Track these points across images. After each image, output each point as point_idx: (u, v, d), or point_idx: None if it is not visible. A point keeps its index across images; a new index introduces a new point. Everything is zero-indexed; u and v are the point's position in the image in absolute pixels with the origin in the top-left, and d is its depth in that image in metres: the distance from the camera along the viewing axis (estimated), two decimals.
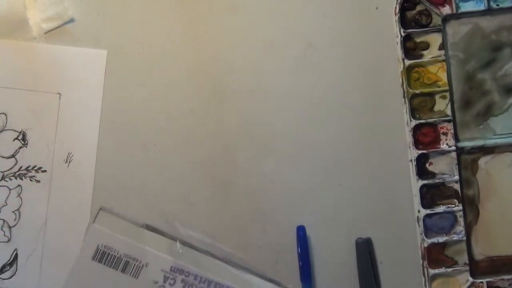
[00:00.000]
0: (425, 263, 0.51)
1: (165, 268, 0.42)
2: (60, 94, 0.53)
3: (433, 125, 0.52)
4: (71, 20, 0.53)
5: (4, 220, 0.52)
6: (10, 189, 0.53)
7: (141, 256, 0.42)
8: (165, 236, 0.44)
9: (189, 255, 0.43)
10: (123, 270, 0.41)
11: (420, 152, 0.52)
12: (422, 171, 0.52)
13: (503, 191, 0.52)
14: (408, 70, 0.52)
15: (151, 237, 0.43)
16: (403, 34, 0.52)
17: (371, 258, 0.51)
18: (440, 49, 0.52)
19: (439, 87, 0.52)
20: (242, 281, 0.43)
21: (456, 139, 0.52)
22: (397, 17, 0.52)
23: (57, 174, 0.53)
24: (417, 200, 0.51)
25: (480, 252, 0.52)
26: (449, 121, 0.52)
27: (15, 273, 0.52)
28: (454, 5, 0.52)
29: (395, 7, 0.52)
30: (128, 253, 0.42)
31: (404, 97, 0.52)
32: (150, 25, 0.54)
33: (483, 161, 0.52)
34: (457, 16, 0.52)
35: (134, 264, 0.41)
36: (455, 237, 0.51)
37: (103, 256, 0.42)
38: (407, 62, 0.52)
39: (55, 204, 0.52)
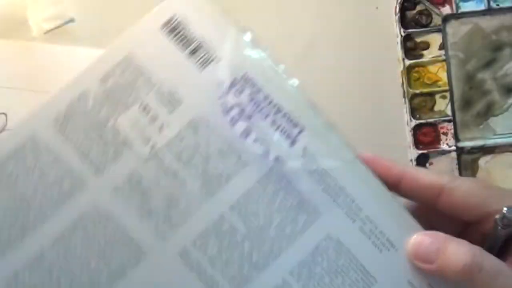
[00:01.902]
0: None
1: (237, 74, 0.34)
2: None
3: (433, 125, 0.52)
4: (71, 20, 0.53)
5: None
6: None
7: (217, 47, 0.34)
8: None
9: (270, 74, 0.35)
10: (191, 53, 0.34)
11: (420, 152, 0.52)
12: None
13: None
14: (408, 70, 0.52)
15: (234, 32, 0.35)
16: (403, 34, 0.52)
17: None
18: (440, 49, 0.52)
19: (439, 87, 0.52)
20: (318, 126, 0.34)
21: (456, 139, 0.52)
22: (397, 17, 0.52)
23: None
24: None
25: None
26: (449, 121, 0.52)
27: None
28: (454, 5, 0.52)
29: (395, 7, 0.52)
30: (204, 38, 0.33)
31: (404, 97, 0.52)
32: None
33: (483, 161, 0.52)
34: (457, 16, 0.52)
35: (205, 53, 0.34)
36: None
37: (174, 30, 0.34)
38: (407, 62, 0.52)
39: None
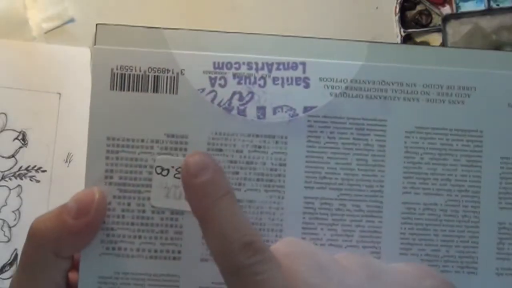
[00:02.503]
0: None
1: (207, 68, 0.31)
2: (60, 94, 0.53)
3: None
4: (71, 20, 0.53)
5: (4, 220, 0.52)
6: (10, 189, 0.52)
7: (170, 63, 0.31)
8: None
9: (232, 41, 0.32)
10: (155, 90, 0.31)
11: None
12: None
13: None
14: None
15: (176, 36, 0.31)
16: (403, 34, 0.52)
17: None
18: None
19: None
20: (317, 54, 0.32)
21: None
22: (397, 17, 0.52)
23: (57, 174, 0.53)
24: None
25: None
26: None
27: None
28: (454, 5, 0.52)
29: (395, 7, 0.52)
30: (153, 65, 0.31)
31: None
32: (149, 25, 0.53)
33: None
34: (457, 16, 0.52)
35: (166, 77, 0.31)
36: None
37: (122, 81, 0.31)
38: None
39: (55, 204, 0.52)
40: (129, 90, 0.31)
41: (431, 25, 0.52)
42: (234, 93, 0.31)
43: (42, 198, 0.52)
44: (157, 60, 0.31)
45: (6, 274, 0.52)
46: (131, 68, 0.31)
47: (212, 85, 0.31)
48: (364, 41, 0.32)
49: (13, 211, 0.52)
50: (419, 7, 0.52)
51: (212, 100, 0.31)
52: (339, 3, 0.53)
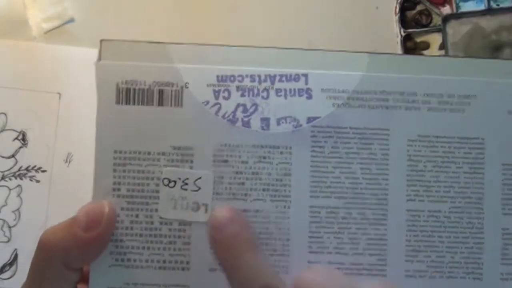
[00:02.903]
0: None
1: (211, 81, 0.32)
2: (60, 94, 0.53)
3: None
4: (71, 20, 0.53)
5: (4, 220, 0.52)
6: (10, 189, 0.52)
7: (175, 77, 0.31)
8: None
9: (235, 54, 0.32)
10: (160, 103, 0.32)
11: None
12: None
13: None
14: None
15: (180, 50, 0.32)
16: (403, 34, 0.52)
17: None
18: (440, 49, 0.52)
19: None
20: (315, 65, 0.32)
21: None
22: (397, 17, 0.52)
23: (57, 174, 0.53)
24: None
25: None
26: None
27: (15, 273, 0.52)
28: (454, 5, 0.52)
29: (395, 7, 0.52)
30: (157, 79, 0.32)
31: None
32: (149, 25, 0.54)
33: None
34: (457, 16, 0.52)
35: (171, 91, 0.32)
36: None
37: (128, 95, 0.32)
38: None
39: (55, 204, 0.52)
40: (134, 104, 0.31)
41: (431, 25, 0.52)
42: (238, 105, 0.31)
43: (42, 198, 0.52)
44: (161, 74, 0.31)
45: (6, 274, 0.52)
46: (136, 82, 0.31)
47: (216, 97, 0.31)
48: (364, 52, 0.32)
49: (13, 211, 0.52)
50: (419, 7, 0.53)
51: (217, 113, 0.31)
52: (339, 3, 0.53)
